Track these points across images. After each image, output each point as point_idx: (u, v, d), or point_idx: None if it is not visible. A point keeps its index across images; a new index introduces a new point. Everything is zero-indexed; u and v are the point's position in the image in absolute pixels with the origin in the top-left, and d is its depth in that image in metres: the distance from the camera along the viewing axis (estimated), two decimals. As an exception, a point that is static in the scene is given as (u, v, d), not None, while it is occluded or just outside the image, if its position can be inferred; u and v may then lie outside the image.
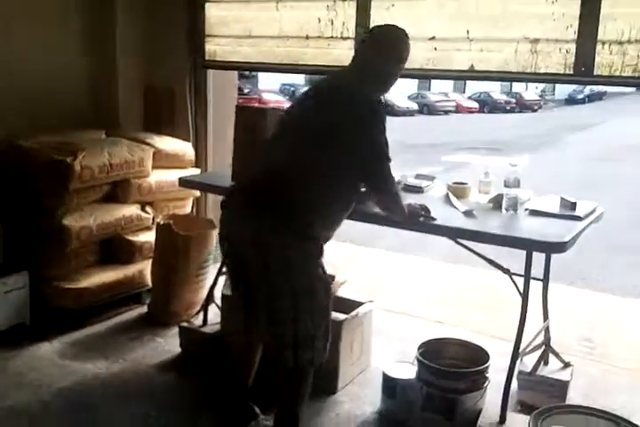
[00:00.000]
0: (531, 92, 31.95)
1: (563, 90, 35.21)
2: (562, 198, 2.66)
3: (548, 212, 2.55)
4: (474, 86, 29.73)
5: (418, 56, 3.20)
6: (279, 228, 2.01)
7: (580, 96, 35.06)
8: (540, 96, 32.83)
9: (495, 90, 30.50)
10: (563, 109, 32.01)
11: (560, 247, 2.22)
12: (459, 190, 2.85)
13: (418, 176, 3.08)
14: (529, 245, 2.27)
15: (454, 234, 2.43)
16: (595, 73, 2.84)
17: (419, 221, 2.38)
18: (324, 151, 2.06)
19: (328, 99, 2.18)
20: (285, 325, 2.08)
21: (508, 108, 29.45)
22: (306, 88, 2.35)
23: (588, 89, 34.68)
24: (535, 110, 30.37)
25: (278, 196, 2.05)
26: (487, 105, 29.24)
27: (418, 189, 2.90)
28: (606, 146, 16.00)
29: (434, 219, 2.40)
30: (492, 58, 3.06)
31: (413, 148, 13.95)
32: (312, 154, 2.08)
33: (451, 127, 20.54)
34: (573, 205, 2.59)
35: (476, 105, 28.90)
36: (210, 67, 4.03)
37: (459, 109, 27.67)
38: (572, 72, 2.89)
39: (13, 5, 3.47)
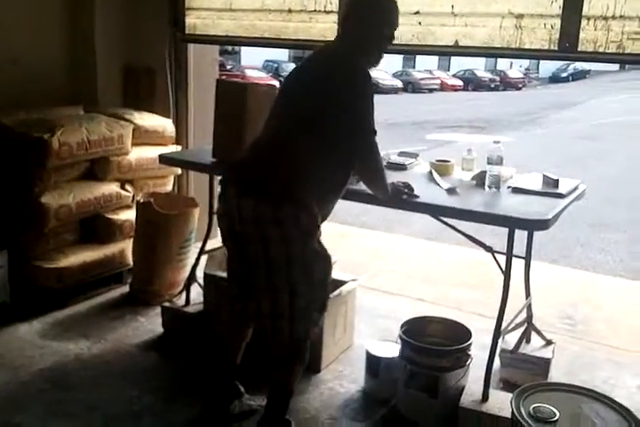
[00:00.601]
0: (515, 70, 31.97)
1: (547, 68, 35.25)
2: (544, 176, 2.64)
3: (530, 189, 2.54)
4: (458, 64, 29.68)
5: (403, 31, 3.16)
6: (277, 201, 2.00)
7: (564, 74, 35.13)
8: (525, 74, 32.83)
9: (479, 68, 30.48)
10: (547, 87, 32.10)
11: (542, 225, 2.20)
12: (442, 168, 2.84)
13: (401, 154, 3.05)
14: (511, 223, 2.24)
15: (437, 212, 2.41)
16: (579, 49, 2.81)
17: (402, 198, 2.36)
18: (317, 125, 2.07)
19: (321, 72, 2.17)
20: (283, 297, 2.08)
21: (493, 86, 29.50)
22: (299, 62, 2.32)
23: (572, 67, 34.75)
24: (519, 88, 30.45)
25: (275, 170, 2.05)
26: (471, 83, 29.24)
27: (401, 167, 2.88)
28: (590, 124, 16.10)
29: (417, 196, 2.38)
30: (477, 33, 3.02)
31: (398, 126, 13.92)
32: (307, 129, 2.07)
33: (435, 105, 20.50)
34: (556, 183, 2.58)
35: (460, 83, 28.88)
36: (190, 41, 3.94)
37: (443, 87, 27.62)
38: (556, 48, 2.86)
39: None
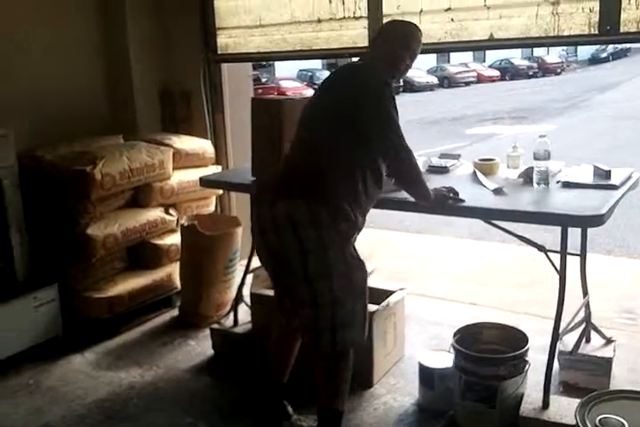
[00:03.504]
0: (552, 55, 31.18)
1: (585, 50, 34.30)
2: (595, 167, 2.54)
3: (581, 183, 2.45)
4: (494, 54, 29.11)
5: (434, 29, 3.12)
6: (313, 209, 2.00)
7: (604, 55, 34.15)
8: (563, 58, 32.03)
9: (516, 56, 29.85)
10: (587, 70, 31.25)
11: (597, 221, 2.11)
12: (486, 167, 2.75)
13: (442, 156, 2.99)
14: (564, 221, 2.16)
15: (486, 215, 2.34)
16: (621, 30, 2.71)
17: (447, 204, 2.30)
18: (343, 133, 2.09)
19: (344, 83, 2.22)
20: (323, 307, 2.06)
21: (531, 73, 28.87)
22: (330, 72, 2.39)
23: (611, 47, 33.70)
24: (559, 73, 29.71)
25: (308, 176, 2.07)
26: (509, 72, 28.67)
27: (443, 170, 2.81)
28: (633, 104, 15.55)
29: (462, 201, 2.31)
30: (512, 24, 2.96)
31: (436, 123, 13.74)
32: (334, 137, 2.09)
33: (473, 98, 20.18)
34: (608, 174, 2.47)
35: (497, 73, 28.35)
36: (223, 61, 3.98)
37: (480, 79, 27.16)
38: (597, 32, 2.77)
39: (20, 9, 3.45)
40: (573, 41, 2.95)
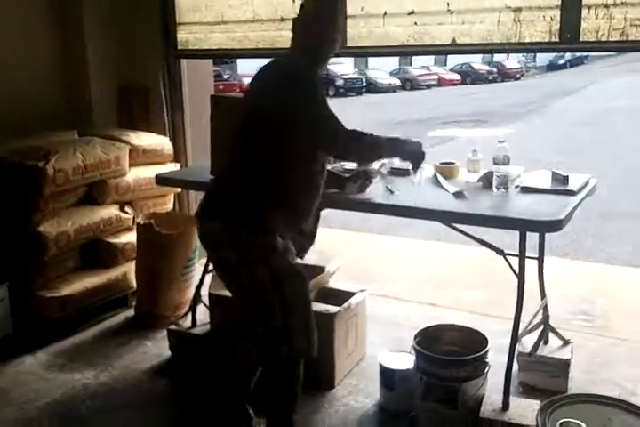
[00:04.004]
0: (512, 60, 31.80)
1: (544, 56, 34.98)
2: (553, 173, 2.57)
3: (540, 188, 2.47)
4: (455, 58, 29.54)
5: (399, 32, 3.12)
6: (232, 226, 2.00)
7: (562, 61, 35.00)
8: (522, 64, 32.67)
9: (476, 61, 30.35)
10: (545, 76, 31.94)
11: (556, 225, 2.12)
12: (446, 170, 2.76)
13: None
14: (523, 226, 2.18)
15: (447, 218, 2.34)
16: (581, 39, 2.76)
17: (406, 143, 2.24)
18: (266, 141, 2.02)
19: (266, 84, 2.15)
20: (257, 320, 2.05)
21: (491, 77, 29.43)
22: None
23: (569, 54, 34.52)
24: (518, 78, 30.34)
25: (230, 193, 2.07)
26: (469, 76, 29.13)
27: (404, 172, 2.79)
28: (591, 110, 15.95)
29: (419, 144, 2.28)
30: (475, 30, 2.98)
31: (399, 125, 13.82)
32: (256, 146, 2.05)
33: (434, 101, 20.39)
34: (566, 179, 2.50)
35: (458, 77, 28.76)
36: (183, 56, 3.91)
37: (441, 82, 27.51)
38: (557, 40, 2.81)
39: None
40: (534, 48, 2.99)
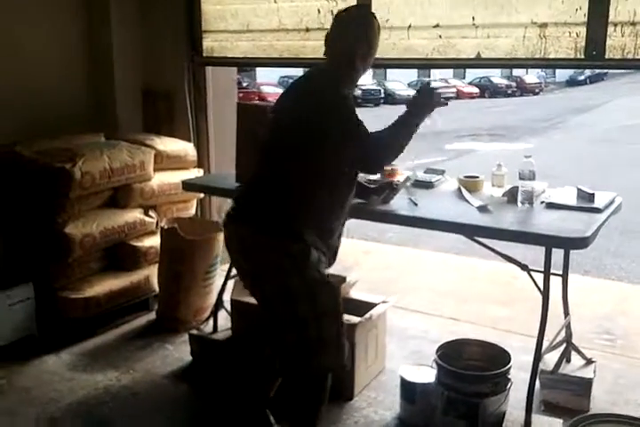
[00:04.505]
0: (531, 75, 31.72)
1: (564, 72, 34.88)
2: (579, 189, 2.56)
3: (565, 204, 2.46)
4: (474, 71, 29.51)
5: (423, 45, 3.13)
6: (266, 232, 1.98)
7: (582, 77, 34.82)
8: (541, 79, 32.58)
9: (495, 74, 30.31)
10: (564, 91, 31.80)
11: (582, 243, 2.12)
12: (471, 184, 2.76)
13: (427, 171, 2.99)
14: (549, 242, 2.17)
15: (471, 231, 2.33)
16: (606, 56, 2.75)
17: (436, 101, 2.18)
18: (299, 153, 2.01)
19: (298, 102, 2.12)
20: (288, 330, 2.02)
21: (509, 92, 29.32)
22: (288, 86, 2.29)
23: (588, 70, 34.40)
24: (537, 93, 30.22)
25: (263, 202, 2.05)
26: (488, 90, 29.08)
27: (428, 185, 2.81)
28: (611, 126, 15.85)
29: (445, 104, 2.22)
30: (500, 44, 2.97)
31: (415, 137, 13.81)
32: (290, 157, 2.03)
33: (452, 114, 20.32)
34: (591, 197, 2.49)
35: (476, 90, 28.72)
36: (208, 64, 3.94)
37: (459, 95, 27.42)
38: (582, 56, 2.80)
39: (3, 9, 3.41)
40: (559, 64, 3.01)
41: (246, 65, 4.50)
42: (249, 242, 2.01)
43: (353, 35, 2.11)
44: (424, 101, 2.17)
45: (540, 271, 2.30)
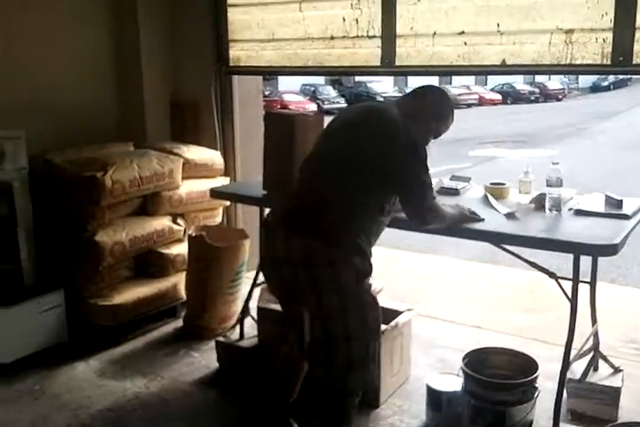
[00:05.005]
0: (554, 81, 31.49)
1: (587, 78, 34.62)
2: (607, 196, 2.55)
3: (593, 211, 2.45)
4: (496, 78, 29.37)
5: (448, 52, 3.15)
6: (328, 249, 1.96)
7: (605, 83, 34.53)
8: (564, 85, 32.32)
9: (518, 80, 30.12)
10: (587, 97, 31.54)
11: (611, 250, 2.10)
12: (497, 191, 2.76)
13: (453, 178, 2.99)
14: (578, 249, 2.16)
15: (498, 239, 2.33)
16: (634, 62, 2.73)
17: (467, 221, 2.30)
18: (364, 176, 2.02)
19: (371, 123, 2.12)
20: (338, 345, 2.03)
21: (532, 98, 29.15)
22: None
23: (612, 76, 34.09)
24: (560, 99, 30.00)
25: (323, 218, 2.01)
26: (510, 96, 28.94)
27: (454, 192, 2.82)
28: (635, 133, 15.66)
29: (482, 219, 2.33)
30: (525, 51, 2.97)
31: (439, 143, 13.75)
32: (353, 177, 2.03)
33: (475, 121, 20.28)
34: (620, 203, 2.48)
35: (499, 97, 28.58)
36: (234, 73, 3.99)
37: (481, 102, 27.35)
38: (609, 62, 2.79)
39: (37, 22, 3.49)
40: (585, 70, 2.97)
41: (272, 73, 4.54)
42: (318, 254, 1.96)
43: (432, 113, 2.24)
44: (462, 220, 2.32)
45: (569, 279, 2.29)
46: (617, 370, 2.66)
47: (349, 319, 2.00)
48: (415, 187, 2.06)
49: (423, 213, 2.11)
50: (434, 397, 2.50)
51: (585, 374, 2.59)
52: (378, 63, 3.37)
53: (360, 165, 2.02)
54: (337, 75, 4.08)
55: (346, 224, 2.00)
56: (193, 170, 3.67)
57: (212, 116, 3.99)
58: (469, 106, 26.59)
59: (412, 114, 2.15)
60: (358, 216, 2.02)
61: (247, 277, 3.35)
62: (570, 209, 2.50)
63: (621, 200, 2.50)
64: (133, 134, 3.88)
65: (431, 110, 2.24)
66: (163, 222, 3.47)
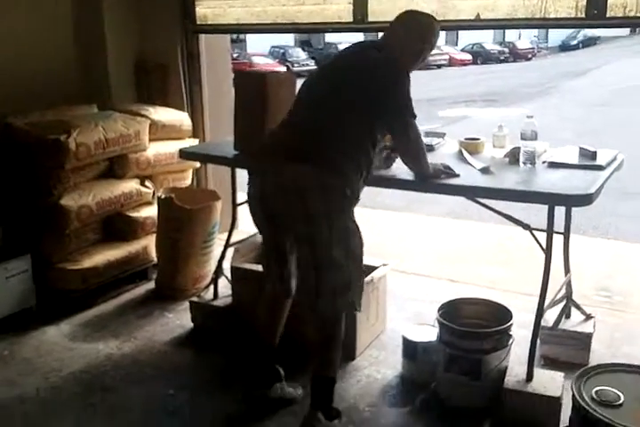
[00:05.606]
0: (524, 40, 31.42)
1: (556, 37, 34.61)
2: (581, 148, 2.55)
3: (568, 163, 2.45)
4: (466, 38, 29.27)
5: (422, 8, 3.05)
6: (322, 175, 2.01)
7: (574, 42, 34.53)
8: (534, 44, 32.29)
9: (488, 40, 29.99)
10: (557, 56, 31.54)
11: (586, 200, 2.11)
12: (472, 146, 2.74)
13: (428, 134, 2.97)
14: (553, 200, 2.16)
15: (473, 193, 2.33)
16: (608, 15, 2.70)
17: (442, 177, 2.32)
18: (356, 107, 2.10)
19: (360, 60, 2.21)
20: (325, 270, 2.08)
21: (502, 58, 29.10)
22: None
23: (581, 34, 34.14)
24: (529, 59, 29.98)
25: (319, 147, 2.06)
26: (480, 56, 28.83)
27: (429, 148, 2.78)
28: (604, 90, 15.77)
29: (457, 175, 2.33)
30: (499, 5, 2.93)
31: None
32: (346, 110, 2.10)
33: (445, 81, 20.22)
34: (594, 155, 2.49)
35: (469, 57, 28.46)
36: (201, 31, 3.88)
37: (452, 62, 27.21)
38: (583, 15, 2.75)
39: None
40: (560, 24, 2.93)
41: (240, 32, 4.44)
42: (310, 180, 2.00)
43: (419, 36, 2.28)
44: (427, 177, 2.34)
45: (543, 230, 2.29)
46: (588, 317, 2.71)
47: (339, 243, 2.06)
48: (402, 116, 2.15)
49: (408, 129, 2.18)
50: (409, 347, 2.52)
51: (557, 321, 2.64)
52: (350, 19, 3.29)
53: (358, 101, 2.09)
54: (308, 32, 3.99)
55: (342, 155, 2.04)
56: (160, 131, 3.59)
57: (179, 76, 3.89)
58: (440, 66, 26.44)
59: (396, 43, 2.24)
60: (354, 149, 2.07)
61: (220, 239, 3.31)
62: (544, 162, 2.50)
63: (595, 152, 2.51)
64: (98, 97, 3.76)
65: (414, 33, 2.27)
66: (130, 185, 3.40)
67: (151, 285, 3.45)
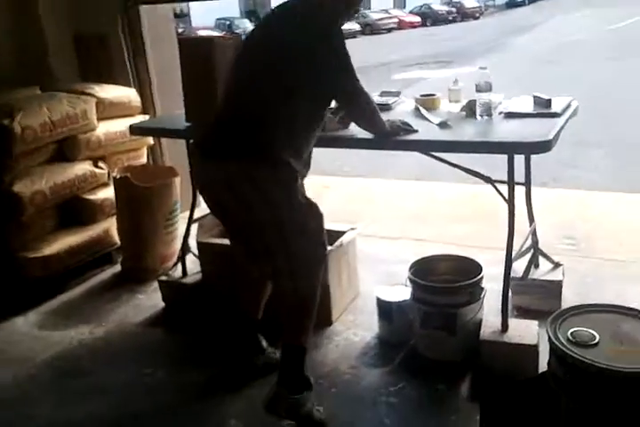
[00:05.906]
0: (471, 0, 31.40)
1: (502, -5, 34.71)
2: (535, 97, 2.55)
3: (523, 112, 2.44)
4: (413, 0, 29.15)
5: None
6: (248, 166, 1.93)
7: (520, -2, 34.67)
8: (481, 3, 32.31)
9: (435, 1, 29.89)
10: (504, 14, 31.67)
11: (545, 146, 2.09)
12: (428, 102, 2.72)
13: (383, 93, 2.93)
14: (512, 149, 2.16)
15: (432, 147, 2.32)
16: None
17: (401, 134, 2.28)
18: (286, 82, 1.96)
19: (287, 27, 2.06)
20: (281, 256, 2.04)
21: (451, 18, 29.14)
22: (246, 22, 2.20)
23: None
24: (477, 18, 30.10)
25: (243, 136, 1.96)
26: (429, 17, 28.81)
27: (385, 107, 2.75)
28: (552, 45, 15.90)
29: (415, 131, 2.30)
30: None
31: (362, 69, 13.61)
32: (275, 86, 1.96)
33: (396, 44, 20.14)
34: (548, 102, 2.48)
35: (418, 19, 28.39)
36: (141, 2, 3.72)
37: (401, 26, 27.12)
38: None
39: None
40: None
41: (181, 0, 4.27)
42: (237, 175, 1.94)
43: None
44: (396, 133, 2.28)
45: (504, 182, 2.30)
46: (557, 265, 2.75)
47: (287, 230, 2.00)
48: (344, 85, 2.02)
49: (354, 95, 2.06)
50: (384, 308, 2.53)
51: (527, 271, 2.67)
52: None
53: (290, 74, 1.96)
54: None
55: (271, 138, 1.94)
56: (108, 110, 3.47)
57: (121, 50, 3.75)
58: (389, 30, 26.36)
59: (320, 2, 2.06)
60: (288, 129, 1.96)
61: (184, 218, 3.24)
62: (500, 113, 2.48)
63: (550, 99, 2.50)
64: (38, 77, 3.59)
65: None
66: (83, 167, 3.29)
67: (117, 268, 3.38)
